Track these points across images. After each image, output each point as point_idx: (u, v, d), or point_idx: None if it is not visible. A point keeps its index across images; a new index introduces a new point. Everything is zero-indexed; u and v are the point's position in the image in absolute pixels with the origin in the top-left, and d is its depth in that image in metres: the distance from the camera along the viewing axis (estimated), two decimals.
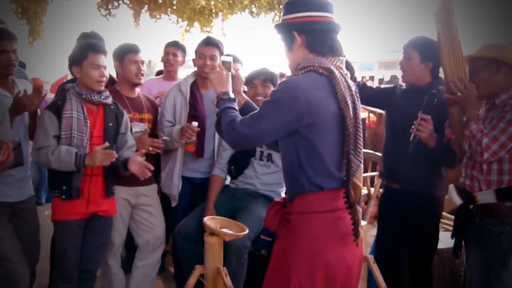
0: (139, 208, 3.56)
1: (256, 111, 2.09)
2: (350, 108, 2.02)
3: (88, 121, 3.06)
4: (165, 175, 3.79)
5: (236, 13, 11.20)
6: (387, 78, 16.69)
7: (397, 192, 3.23)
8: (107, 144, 3.03)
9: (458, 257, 2.85)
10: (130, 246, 3.82)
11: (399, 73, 3.46)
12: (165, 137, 3.48)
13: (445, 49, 2.77)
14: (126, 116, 3.33)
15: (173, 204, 3.79)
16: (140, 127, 3.52)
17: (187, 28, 11.76)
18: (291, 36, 2.13)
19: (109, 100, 3.17)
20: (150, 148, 3.38)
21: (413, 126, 2.92)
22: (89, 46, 3.11)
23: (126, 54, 3.47)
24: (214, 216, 2.97)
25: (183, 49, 4.80)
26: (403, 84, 3.38)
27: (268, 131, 2.03)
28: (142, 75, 3.54)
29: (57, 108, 3.01)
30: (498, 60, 2.66)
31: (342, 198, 2.05)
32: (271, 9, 10.97)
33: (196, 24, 11.58)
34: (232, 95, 2.30)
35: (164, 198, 3.83)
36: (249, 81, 3.62)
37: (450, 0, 2.77)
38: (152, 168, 3.15)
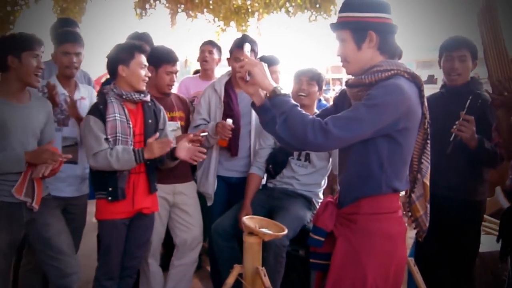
0: (177, 207, 3.59)
1: (350, 112, 1.97)
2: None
3: (131, 122, 3.10)
4: (201, 174, 3.82)
5: (273, 13, 11.16)
6: (424, 78, 16.46)
7: (438, 197, 3.15)
8: (157, 134, 3.10)
9: (505, 262, 2.79)
10: (168, 244, 3.85)
11: (436, 72, 3.41)
12: (204, 133, 3.50)
13: (489, 49, 2.71)
14: (164, 112, 3.37)
15: (209, 204, 3.81)
16: (172, 125, 3.56)
17: (223, 27, 11.78)
18: (365, 34, 2.07)
19: (148, 98, 3.21)
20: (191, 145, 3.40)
21: (454, 126, 2.86)
22: (136, 46, 3.15)
23: (163, 63, 3.49)
24: (253, 216, 2.96)
25: (218, 47, 4.81)
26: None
27: (362, 134, 1.98)
28: (173, 85, 3.59)
29: (100, 112, 3.04)
30: None
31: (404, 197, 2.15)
32: (308, 8, 10.91)
33: (232, 23, 11.59)
34: (286, 90, 2.14)
35: (201, 197, 3.84)
36: (296, 77, 3.61)
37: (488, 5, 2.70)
38: (204, 150, 3.16)
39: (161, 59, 3.49)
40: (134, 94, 3.11)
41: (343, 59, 2.14)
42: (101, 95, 3.13)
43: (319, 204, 2.34)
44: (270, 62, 3.78)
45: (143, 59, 3.12)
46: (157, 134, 3.12)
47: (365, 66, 2.10)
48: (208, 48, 4.75)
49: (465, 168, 3.04)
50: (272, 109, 2.14)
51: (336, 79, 15.70)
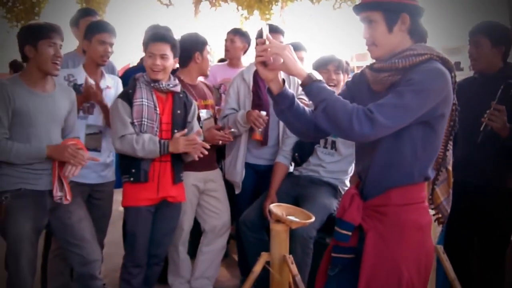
0: (206, 194, 3.61)
1: (394, 99, 1.87)
2: None
3: (158, 109, 3.12)
4: (229, 162, 3.81)
5: (296, 0, 11.12)
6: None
7: (469, 184, 3.10)
8: (185, 131, 3.12)
9: None
10: (195, 231, 3.88)
11: (464, 59, 3.34)
12: (232, 129, 3.51)
13: None
14: (195, 106, 3.37)
15: (237, 192, 3.81)
16: (207, 113, 3.58)
17: (247, 15, 11.76)
18: (397, 17, 1.99)
19: (178, 88, 3.22)
20: (220, 142, 3.45)
21: (485, 115, 2.81)
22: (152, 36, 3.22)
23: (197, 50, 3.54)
24: (280, 204, 2.95)
25: (243, 35, 4.73)
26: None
27: (407, 121, 1.91)
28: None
29: (128, 96, 3.10)
30: None
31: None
32: None
33: (255, 12, 11.56)
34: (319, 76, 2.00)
35: (228, 184, 3.85)
36: (323, 66, 3.55)
37: None
38: (208, 146, 3.13)
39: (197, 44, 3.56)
40: (162, 83, 3.13)
41: (371, 42, 2.04)
42: (133, 81, 3.18)
43: (343, 194, 2.24)
44: (295, 47, 3.74)
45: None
46: (185, 130, 3.13)
47: (394, 50, 2.02)
48: (230, 36, 4.70)
49: (497, 156, 2.98)
50: (309, 96, 1.98)
51: (361, 67, 15.56)
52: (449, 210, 2.22)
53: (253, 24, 11.67)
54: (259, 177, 3.82)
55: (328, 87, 1.94)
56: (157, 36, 3.18)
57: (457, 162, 3.20)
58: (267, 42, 1.98)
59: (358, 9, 2.07)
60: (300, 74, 1.96)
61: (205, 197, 3.62)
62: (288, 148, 3.65)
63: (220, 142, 3.46)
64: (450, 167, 2.17)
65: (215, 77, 4.57)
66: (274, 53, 1.95)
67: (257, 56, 2.00)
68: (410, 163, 2.00)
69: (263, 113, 3.48)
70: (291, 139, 3.64)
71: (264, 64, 2.00)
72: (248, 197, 3.76)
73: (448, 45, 14.83)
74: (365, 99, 2.00)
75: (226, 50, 4.71)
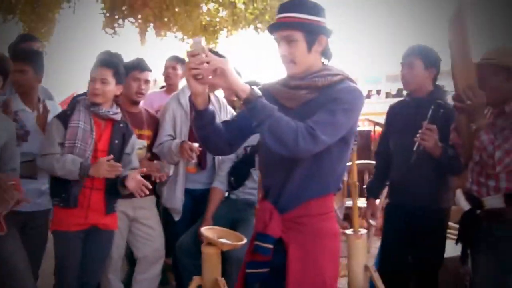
0: (137, 221, 3.54)
1: (329, 117, 1.97)
2: None
3: (94, 133, 3.07)
4: (167, 189, 3.74)
5: (241, 29, 11.20)
6: (394, 92, 16.62)
7: (404, 206, 3.17)
8: (111, 156, 3.02)
9: (465, 265, 2.80)
10: (133, 260, 3.79)
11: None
12: (161, 163, 3.49)
13: (457, 57, 2.70)
14: (134, 138, 3.31)
15: (176, 218, 3.76)
16: (139, 143, 3.50)
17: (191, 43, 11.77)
18: (316, 38, 2.10)
19: (117, 117, 3.17)
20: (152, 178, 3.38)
21: (417, 135, 2.88)
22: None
23: (131, 71, 3.49)
24: (212, 227, 2.93)
25: (183, 62, 4.78)
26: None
27: (338, 137, 2.03)
28: (142, 94, 3.56)
29: (64, 117, 3.06)
30: (508, 67, 2.56)
31: None
32: None
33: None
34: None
35: (165, 211, 3.79)
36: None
37: (464, 7, 2.69)
38: (150, 186, 3.08)
39: (129, 67, 3.48)
40: (101, 109, 3.08)
41: (289, 60, 2.11)
42: (73, 103, 3.18)
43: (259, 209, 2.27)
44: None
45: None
46: (112, 156, 3.03)
47: (309, 68, 2.12)
48: (172, 64, 4.74)
49: (430, 176, 3.05)
50: (250, 114, 1.96)
51: None
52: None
53: None
54: (195, 202, 3.78)
55: (270, 104, 1.95)
56: (99, 61, 3.16)
57: (393, 184, 3.30)
58: (203, 56, 1.89)
59: (278, 27, 2.12)
60: (243, 90, 1.92)
61: (136, 224, 3.54)
62: (224, 172, 3.65)
63: (153, 178, 3.37)
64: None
65: (152, 104, 4.54)
66: (215, 67, 1.89)
67: (191, 68, 1.92)
68: (327, 175, 2.11)
69: (196, 144, 3.41)
70: (227, 164, 3.64)
71: (195, 77, 1.93)
72: (186, 223, 3.70)
73: (390, 72, 15.23)
74: None
75: (167, 77, 4.71)
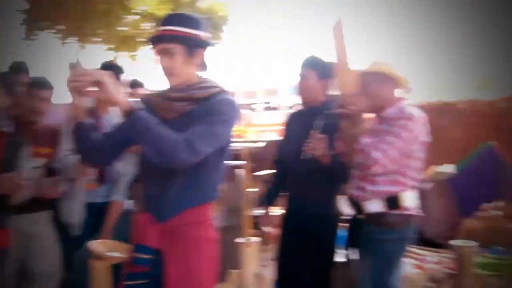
0: (32, 236, 3.42)
1: (208, 128, 2.04)
2: None
3: None
4: (66, 203, 3.65)
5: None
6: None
7: (298, 212, 3.24)
8: None
9: (349, 267, 2.90)
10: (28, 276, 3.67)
11: None
12: (55, 180, 3.40)
13: (340, 64, 2.82)
14: (26, 151, 3.22)
15: (75, 233, 3.67)
16: (35, 162, 3.37)
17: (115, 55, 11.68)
18: (195, 51, 2.17)
19: (8, 129, 3.11)
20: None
21: (307, 145, 2.95)
22: None
23: (31, 87, 3.40)
24: (105, 240, 2.90)
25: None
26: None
27: (217, 147, 2.11)
28: (39, 112, 3.46)
29: None
30: (386, 75, 2.75)
31: None
32: None
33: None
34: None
35: (62, 225, 3.70)
36: None
37: (340, 20, 2.81)
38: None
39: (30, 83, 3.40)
40: None
41: (168, 72, 2.17)
42: None
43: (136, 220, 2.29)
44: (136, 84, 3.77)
45: None
46: None
47: (188, 80, 2.18)
48: None
49: (321, 185, 3.12)
50: (130, 126, 1.99)
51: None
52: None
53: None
54: (95, 215, 3.70)
55: (150, 116, 2.00)
56: None
57: (288, 192, 3.36)
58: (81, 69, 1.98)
59: (158, 40, 2.17)
60: (123, 102, 1.97)
61: (30, 240, 3.42)
62: (123, 185, 3.61)
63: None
64: None
65: (58, 119, 4.42)
66: (94, 80, 1.95)
67: (72, 81, 1.98)
68: (204, 184, 2.16)
69: None
70: (126, 176, 3.61)
71: (76, 90, 1.99)
72: (85, 237, 3.61)
73: None
74: None
75: None
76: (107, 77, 1.96)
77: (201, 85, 2.18)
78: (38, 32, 11.12)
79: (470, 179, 6.00)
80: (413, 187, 2.71)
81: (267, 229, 3.38)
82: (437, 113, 6.86)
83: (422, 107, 2.90)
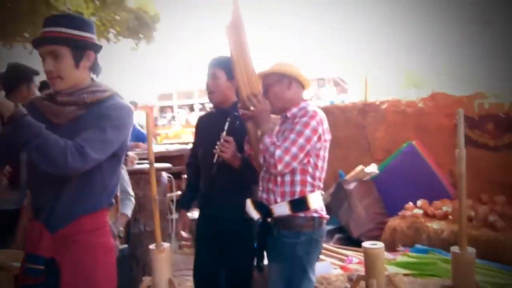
0: None
1: (98, 134, 2.00)
2: None
3: None
4: None
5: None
6: None
7: (212, 215, 3.17)
8: None
9: (262, 271, 2.87)
10: None
11: None
12: None
13: (237, 65, 2.80)
14: None
15: None
16: None
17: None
18: (84, 53, 2.11)
19: None
20: None
21: (216, 147, 2.91)
22: None
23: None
24: (5, 250, 2.78)
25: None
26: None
27: (109, 154, 2.06)
28: None
29: None
30: (289, 75, 2.74)
31: None
32: (131, 35, 10.85)
33: None
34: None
35: None
36: None
37: (239, 15, 2.81)
38: None
39: None
40: None
41: (55, 75, 2.08)
42: None
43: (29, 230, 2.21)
44: None
45: None
46: None
47: (78, 84, 2.12)
48: None
49: (233, 187, 3.05)
50: (19, 130, 1.87)
51: (167, 106, 15.76)
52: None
53: None
54: (4, 224, 3.56)
55: (37, 122, 1.90)
56: None
57: (201, 195, 3.30)
58: None
59: (43, 42, 2.07)
60: (7, 108, 1.87)
61: None
62: None
63: None
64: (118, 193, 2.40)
65: None
66: None
67: None
68: (99, 191, 2.12)
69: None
70: None
71: None
72: None
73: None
74: None
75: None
76: None
77: (91, 89, 2.11)
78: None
79: (393, 178, 6.16)
80: (319, 188, 2.71)
81: (183, 234, 3.33)
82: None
83: None
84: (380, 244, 2.83)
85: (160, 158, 6.54)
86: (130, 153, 3.56)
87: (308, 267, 2.67)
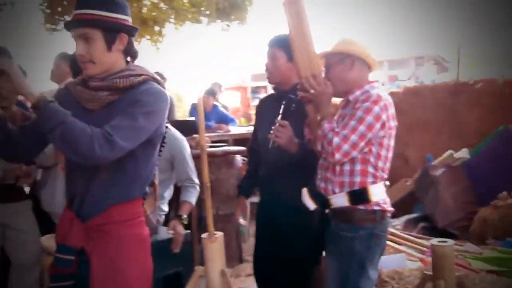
0: (10, 227, 3.40)
1: (128, 121, 1.88)
2: None
3: None
4: (46, 192, 3.62)
5: (184, 23, 11.05)
6: None
7: (271, 202, 3.04)
8: None
9: (319, 265, 2.72)
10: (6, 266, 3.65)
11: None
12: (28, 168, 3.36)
13: (296, 44, 2.60)
14: None
15: (57, 222, 3.61)
16: None
17: (138, 40, 11.58)
18: (116, 36, 2.00)
19: None
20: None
21: (271, 132, 2.75)
22: None
23: None
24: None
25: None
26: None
27: (141, 142, 1.95)
28: None
29: None
30: (351, 54, 2.53)
31: None
32: (220, 17, 10.88)
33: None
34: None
35: (42, 214, 3.65)
36: None
37: None
38: None
39: None
40: None
41: (87, 59, 1.99)
42: None
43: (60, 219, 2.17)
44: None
45: None
46: None
47: (111, 68, 2.02)
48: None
49: (291, 174, 2.87)
50: (42, 118, 1.81)
51: (261, 87, 15.69)
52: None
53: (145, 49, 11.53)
54: None
55: (63, 109, 1.82)
56: None
57: (261, 182, 3.16)
58: None
59: (74, 25, 1.99)
60: (30, 94, 1.83)
61: (9, 230, 3.40)
62: None
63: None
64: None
65: None
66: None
67: None
68: (132, 180, 2.03)
69: None
70: None
71: None
72: None
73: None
74: (76, 117, 1.87)
75: (52, 75, 4.47)
76: (11, 66, 1.82)
77: (124, 73, 2.00)
78: (58, 18, 11.07)
79: (486, 164, 5.70)
80: (382, 179, 2.48)
81: (242, 221, 3.22)
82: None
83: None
84: (450, 242, 2.57)
85: (242, 140, 6.47)
86: (197, 136, 3.45)
87: (367, 264, 2.47)
